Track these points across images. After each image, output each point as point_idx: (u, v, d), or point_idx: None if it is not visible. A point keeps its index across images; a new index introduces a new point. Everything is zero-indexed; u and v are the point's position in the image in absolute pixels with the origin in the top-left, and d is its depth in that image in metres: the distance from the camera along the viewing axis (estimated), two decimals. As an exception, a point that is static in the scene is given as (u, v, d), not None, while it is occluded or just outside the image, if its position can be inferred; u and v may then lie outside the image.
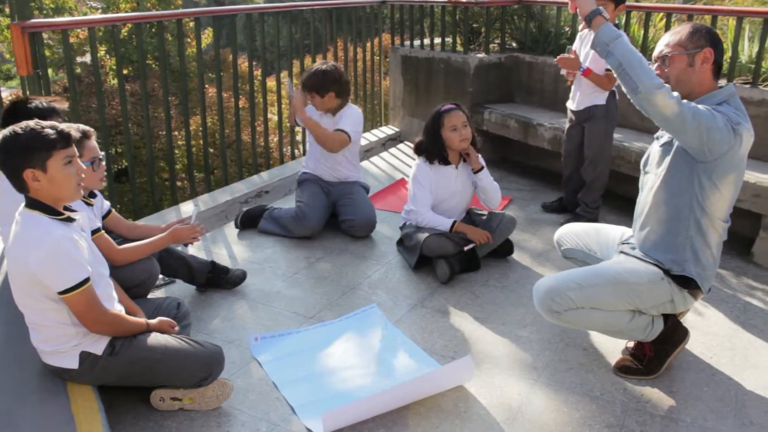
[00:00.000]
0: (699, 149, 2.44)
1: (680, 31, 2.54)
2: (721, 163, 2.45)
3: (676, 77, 2.54)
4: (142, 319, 2.54)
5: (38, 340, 2.39)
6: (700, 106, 2.43)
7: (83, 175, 2.34)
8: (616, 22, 4.17)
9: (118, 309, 2.52)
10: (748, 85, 4.42)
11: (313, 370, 2.89)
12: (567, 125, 4.56)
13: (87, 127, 2.84)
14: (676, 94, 2.40)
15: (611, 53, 2.47)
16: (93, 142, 2.85)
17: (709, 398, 2.68)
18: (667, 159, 2.59)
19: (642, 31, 5.07)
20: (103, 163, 2.94)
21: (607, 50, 2.49)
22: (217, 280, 3.54)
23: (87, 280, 2.27)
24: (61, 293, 2.23)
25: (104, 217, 3.21)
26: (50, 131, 2.22)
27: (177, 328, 2.67)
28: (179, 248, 3.41)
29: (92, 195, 3.05)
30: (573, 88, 4.39)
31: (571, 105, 4.43)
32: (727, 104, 2.49)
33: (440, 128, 3.74)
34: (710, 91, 2.53)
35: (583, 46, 4.27)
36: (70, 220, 2.34)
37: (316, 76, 4.26)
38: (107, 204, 3.25)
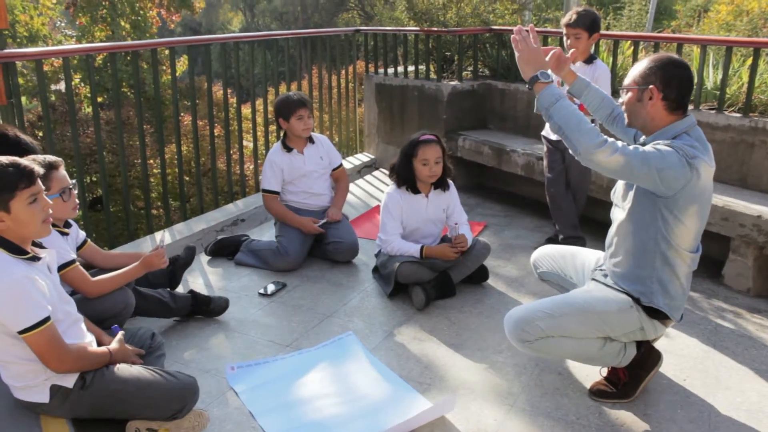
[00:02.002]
0: (655, 189, 2.49)
1: (642, 64, 2.59)
2: (681, 197, 2.49)
3: (629, 110, 2.62)
4: (104, 348, 2.49)
5: (7, 376, 2.36)
6: (648, 148, 2.47)
7: (50, 211, 2.31)
8: (591, 51, 4.24)
9: (88, 340, 2.49)
10: (713, 111, 4.52)
11: (289, 399, 2.88)
12: (547, 156, 4.48)
13: (55, 158, 2.82)
14: (620, 144, 2.44)
15: (551, 117, 2.52)
16: (62, 172, 2.83)
17: (682, 420, 2.71)
18: (631, 193, 2.64)
19: (611, 59, 5.18)
20: (75, 191, 2.92)
21: (548, 114, 2.54)
22: (199, 311, 3.52)
23: (47, 319, 2.23)
24: (21, 332, 2.20)
25: (80, 248, 3.19)
26: (11, 170, 2.18)
27: (140, 360, 2.63)
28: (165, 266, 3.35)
29: (67, 225, 3.04)
30: None
31: (552, 136, 4.37)
32: (687, 135, 2.54)
33: (412, 157, 3.76)
34: (665, 125, 2.57)
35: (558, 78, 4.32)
36: (35, 258, 2.30)
37: (306, 96, 4.38)
38: (82, 234, 3.23)
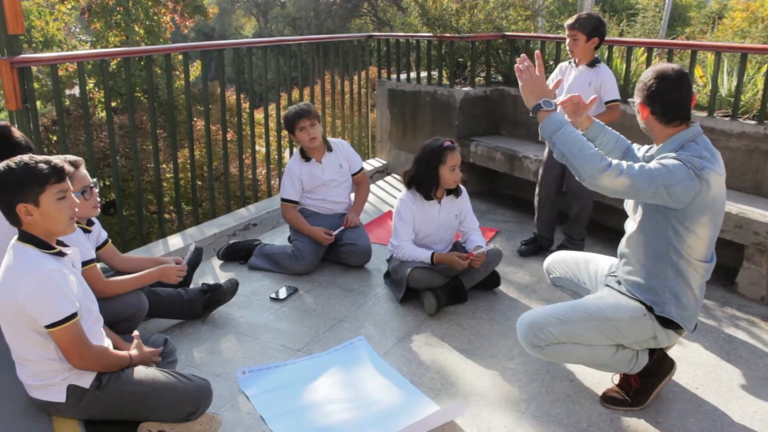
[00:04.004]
0: (665, 204, 2.49)
1: (642, 76, 2.63)
2: (692, 209, 2.48)
3: (639, 119, 2.67)
4: (125, 352, 2.53)
5: (25, 374, 2.39)
6: (654, 165, 2.47)
7: (77, 209, 2.36)
8: (596, 55, 4.26)
9: (107, 344, 2.51)
10: (727, 118, 4.49)
11: (300, 404, 2.88)
12: (546, 156, 4.56)
13: (75, 157, 2.88)
14: (626, 165, 2.45)
15: (554, 144, 2.53)
16: (83, 171, 2.88)
17: (695, 429, 2.69)
18: (641, 206, 2.64)
19: (624, 65, 5.17)
20: (96, 190, 2.96)
21: (551, 141, 2.55)
22: (214, 297, 3.55)
23: (74, 315, 2.26)
24: (48, 327, 2.23)
25: (100, 247, 3.21)
26: (44, 166, 2.24)
27: (159, 359, 2.66)
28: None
29: (89, 223, 3.07)
30: None
31: None
32: (695, 143, 2.53)
33: (440, 164, 3.73)
34: (666, 137, 2.58)
35: (564, 79, 4.35)
36: (61, 254, 2.35)
37: (308, 107, 4.35)
38: (104, 234, 3.26)
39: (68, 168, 2.35)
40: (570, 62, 4.37)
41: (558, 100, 2.87)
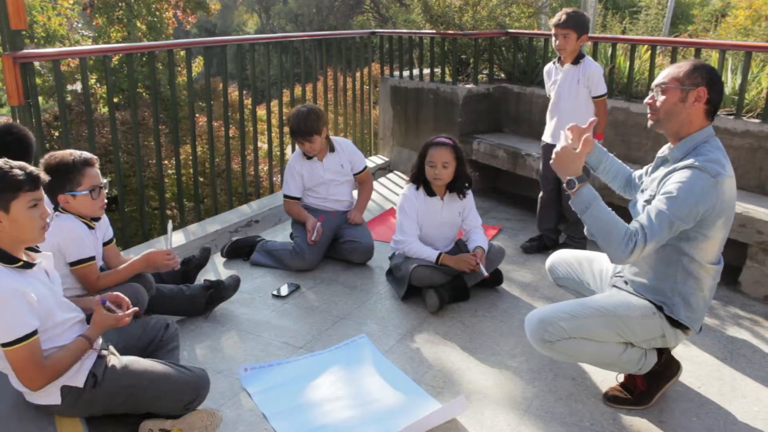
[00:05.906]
0: (688, 226, 2.48)
1: (682, 65, 2.55)
2: (708, 216, 2.46)
3: (667, 111, 2.55)
4: (79, 338, 2.36)
5: (16, 382, 2.33)
6: (662, 204, 2.42)
7: (48, 220, 2.27)
8: (583, 52, 4.23)
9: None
10: (731, 117, 4.48)
11: (302, 401, 2.88)
12: (542, 163, 4.55)
13: (90, 155, 2.87)
14: (647, 229, 2.41)
15: (584, 221, 2.53)
16: (95, 169, 2.88)
17: (698, 428, 2.69)
18: None
19: (628, 63, 5.15)
20: (105, 191, 2.95)
21: (582, 218, 2.54)
22: (217, 294, 3.55)
23: (29, 336, 2.17)
24: (2, 345, 2.16)
25: (105, 244, 3.20)
26: (18, 172, 2.16)
27: (127, 320, 2.45)
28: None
29: (96, 218, 3.05)
30: (552, 122, 4.41)
31: (551, 140, 4.38)
32: (708, 144, 2.51)
33: (423, 157, 3.79)
34: (697, 130, 2.54)
35: (552, 82, 4.34)
36: (28, 266, 2.25)
37: (312, 116, 4.27)
38: (110, 231, 3.24)
39: (44, 177, 2.25)
40: (554, 63, 4.35)
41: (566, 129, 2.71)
